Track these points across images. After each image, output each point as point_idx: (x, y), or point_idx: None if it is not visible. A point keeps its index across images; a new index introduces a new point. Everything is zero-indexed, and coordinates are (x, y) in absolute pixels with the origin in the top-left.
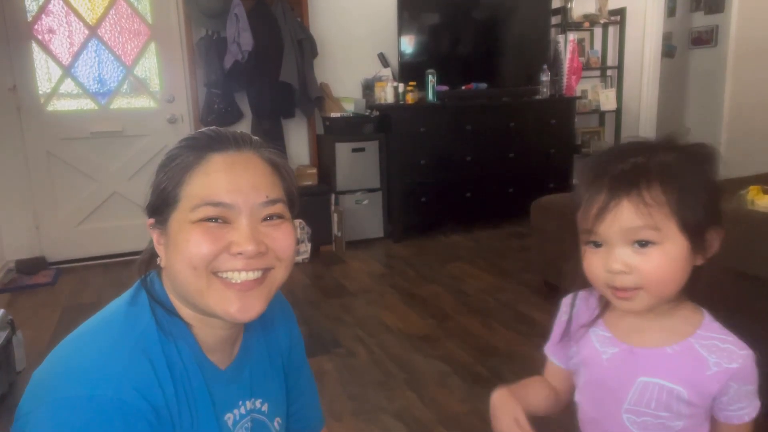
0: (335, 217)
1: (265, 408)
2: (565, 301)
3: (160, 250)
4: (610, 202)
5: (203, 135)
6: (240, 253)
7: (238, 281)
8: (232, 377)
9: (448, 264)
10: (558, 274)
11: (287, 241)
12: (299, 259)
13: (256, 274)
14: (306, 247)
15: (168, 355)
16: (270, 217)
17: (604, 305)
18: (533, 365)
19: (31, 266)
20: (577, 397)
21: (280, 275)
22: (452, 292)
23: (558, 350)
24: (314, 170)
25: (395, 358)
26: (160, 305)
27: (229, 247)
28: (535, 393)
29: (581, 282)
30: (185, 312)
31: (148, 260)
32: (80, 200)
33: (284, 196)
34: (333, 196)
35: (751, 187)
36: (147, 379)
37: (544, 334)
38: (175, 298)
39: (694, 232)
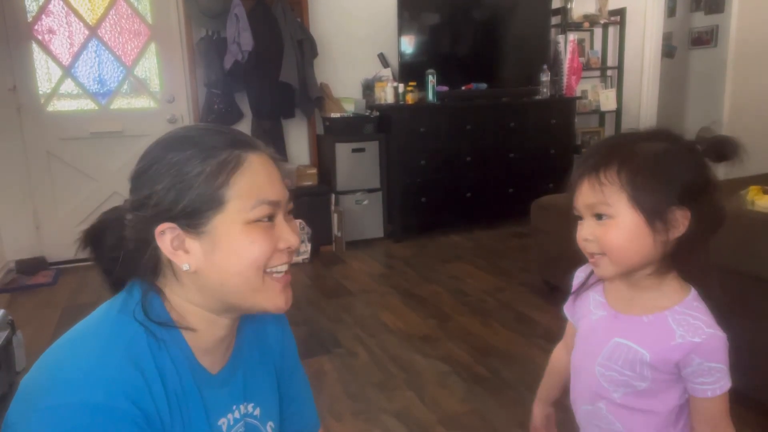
0: (335, 217)
1: (257, 412)
2: (584, 266)
3: (179, 256)
4: (576, 180)
5: (226, 136)
6: (288, 248)
7: (282, 274)
8: (225, 381)
9: (448, 264)
10: (558, 275)
11: (299, 233)
12: (299, 259)
13: (287, 267)
14: (306, 247)
15: (159, 361)
16: (289, 212)
17: None
18: (533, 365)
19: (31, 266)
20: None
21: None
22: (452, 292)
23: (572, 309)
24: (314, 170)
25: (395, 358)
26: (155, 322)
27: (277, 244)
28: (557, 379)
29: None
30: (193, 316)
31: (150, 267)
32: (80, 200)
33: None
34: (333, 196)
35: (751, 187)
36: (137, 386)
37: (544, 334)
38: (189, 302)
39: (650, 210)
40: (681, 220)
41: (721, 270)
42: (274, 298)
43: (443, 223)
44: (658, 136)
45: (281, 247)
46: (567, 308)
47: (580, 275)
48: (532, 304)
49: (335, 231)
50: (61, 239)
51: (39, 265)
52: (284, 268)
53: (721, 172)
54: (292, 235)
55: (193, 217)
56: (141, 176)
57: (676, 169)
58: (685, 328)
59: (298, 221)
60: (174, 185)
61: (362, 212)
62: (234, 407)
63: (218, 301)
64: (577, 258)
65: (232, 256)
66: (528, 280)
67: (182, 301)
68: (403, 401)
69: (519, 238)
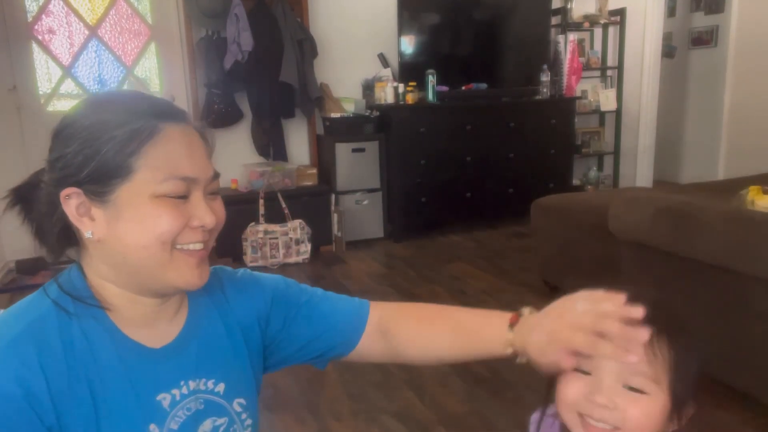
0: (335, 217)
1: (219, 389)
2: (533, 419)
3: (84, 223)
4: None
5: (145, 102)
6: (201, 227)
7: (197, 250)
8: (169, 355)
9: (448, 264)
10: (558, 275)
11: (223, 213)
12: (299, 259)
13: (202, 245)
14: (306, 247)
15: (66, 336)
16: (211, 192)
17: None
18: (533, 365)
19: (31, 266)
20: None
21: (211, 244)
22: (452, 292)
23: None
24: (314, 170)
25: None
26: (67, 294)
27: (189, 221)
28: None
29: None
30: (109, 292)
31: (62, 233)
32: None
33: None
34: (333, 196)
35: (751, 187)
36: (28, 363)
37: None
38: (103, 278)
39: (680, 398)
40: (687, 414)
41: (722, 270)
42: (185, 274)
43: (443, 223)
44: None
45: (194, 224)
46: None
47: (545, 426)
48: (532, 305)
49: (335, 231)
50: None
51: (39, 265)
52: (198, 246)
53: (722, 172)
54: (207, 214)
55: (98, 183)
56: (56, 137)
57: (698, 358)
58: None
59: (298, 221)
60: (83, 149)
61: (362, 212)
62: (182, 382)
63: (127, 276)
64: (577, 258)
65: (136, 229)
66: (528, 280)
67: (95, 276)
68: (403, 401)
69: (519, 238)
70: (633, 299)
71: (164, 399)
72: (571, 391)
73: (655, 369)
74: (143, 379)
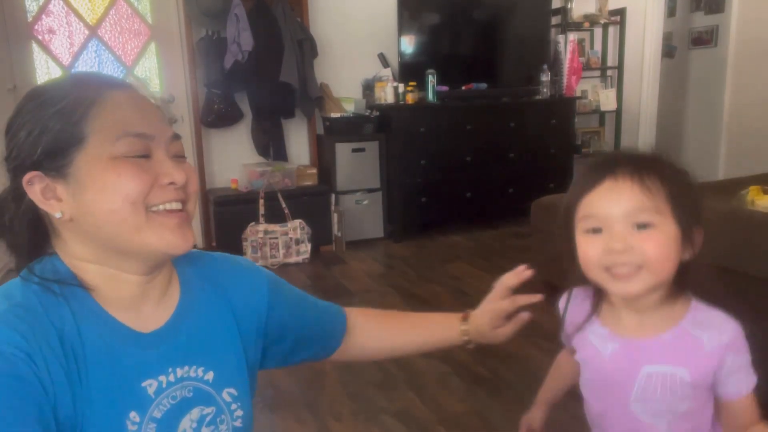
0: (335, 217)
1: (208, 377)
2: (560, 305)
3: (52, 205)
4: (613, 186)
5: (81, 76)
6: (171, 183)
7: (175, 211)
8: (157, 341)
9: (448, 264)
10: (558, 274)
11: (194, 174)
12: (299, 259)
13: (180, 205)
14: (306, 247)
15: (54, 316)
16: (177, 155)
17: (597, 303)
18: (533, 365)
19: None
20: (583, 392)
21: (192, 209)
22: (452, 292)
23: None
24: (314, 170)
25: (395, 358)
26: (51, 280)
27: (156, 180)
28: (562, 382)
29: (578, 278)
30: (90, 273)
31: (29, 229)
32: None
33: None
34: (333, 196)
35: (751, 187)
36: (21, 336)
37: (544, 335)
38: (80, 260)
39: (685, 224)
40: (698, 241)
41: (722, 270)
42: (165, 237)
43: (443, 223)
44: (662, 158)
45: (163, 182)
46: (567, 340)
47: (573, 305)
48: (532, 305)
49: (335, 231)
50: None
51: None
52: (175, 205)
53: (722, 172)
54: (175, 170)
55: (54, 159)
56: (7, 132)
57: (696, 190)
58: (709, 332)
59: (298, 221)
60: (32, 131)
61: (362, 212)
62: (169, 369)
63: (105, 249)
64: (573, 254)
65: (101, 195)
66: (528, 280)
67: (72, 259)
68: (403, 401)
69: (519, 238)
70: (619, 154)
71: (150, 386)
72: (591, 250)
73: (654, 201)
74: (129, 363)
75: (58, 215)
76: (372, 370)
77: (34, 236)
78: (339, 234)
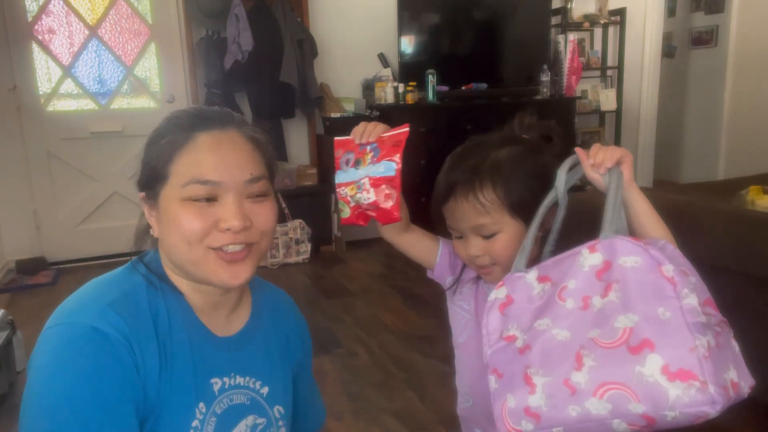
0: (335, 217)
1: (264, 391)
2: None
3: (152, 221)
4: (456, 206)
5: (188, 114)
6: (228, 229)
7: (229, 251)
8: (228, 346)
9: None
10: None
11: (269, 215)
12: (299, 259)
13: (241, 247)
14: (306, 247)
15: (153, 306)
16: (255, 195)
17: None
18: None
19: (31, 266)
20: (461, 353)
21: (264, 245)
22: None
23: (447, 253)
24: (314, 170)
25: (395, 358)
26: (154, 274)
27: (217, 224)
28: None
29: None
30: (177, 279)
31: (145, 229)
32: (80, 200)
33: (266, 172)
34: (333, 196)
35: (751, 187)
36: (125, 322)
37: None
38: (168, 267)
39: (525, 213)
40: (551, 211)
41: (721, 270)
42: (217, 272)
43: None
44: (504, 141)
45: (222, 227)
46: (444, 243)
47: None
48: None
49: (335, 231)
50: (61, 239)
51: (39, 265)
52: (235, 248)
53: (722, 172)
54: (233, 217)
55: (149, 188)
56: (145, 147)
57: (533, 165)
58: None
59: (298, 221)
60: (144, 158)
61: None
62: (232, 374)
63: (177, 267)
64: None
65: (169, 228)
66: None
67: (166, 265)
68: (403, 401)
69: None
70: (461, 158)
71: (216, 383)
72: (458, 252)
73: (490, 216)
74: (204, 360)
75: (152, 232)
76: (372, 370)
77: (145, 232)
78: (339, 234)
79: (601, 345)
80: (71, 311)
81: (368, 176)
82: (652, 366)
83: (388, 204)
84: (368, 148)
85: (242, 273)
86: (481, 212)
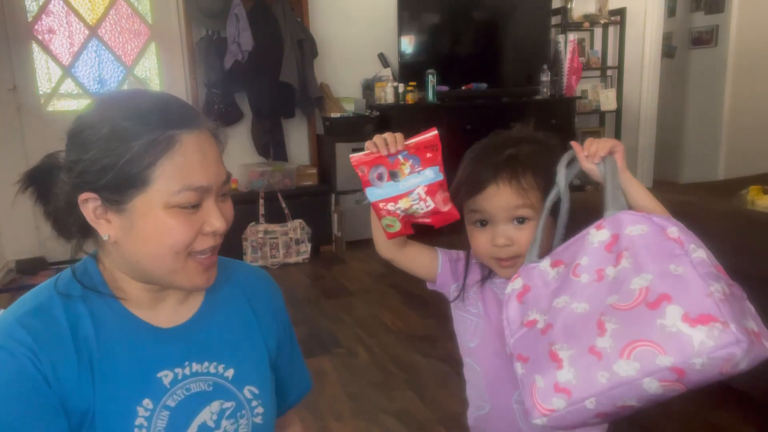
0: (335, 217)
1: (228, 374)
2: (460, 263)
3: (102, 226)
4: (498, 192)
5: (154, 109)
6: (213, 233)
7: (205, 256)
8: (176, 336)
9: None
10: None
11: (231, 214)
12: (299, 259)
13: (214, 250)
14: (306, 247)
15: (72, 314)
16: (222, 194)
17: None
18: None
19: (31, 266)
20: (474, 359)
21: (218, 245)
22: None
23: (447, 261)
24: (314, 170)
25: (395, 358)
26: (79, 282)
27: (202, 228)
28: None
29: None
30: (123, 284)
31: (80, 233)
32: None
33: None
34: (333, 196)
35: (751, 187)
36: (33, 336)
37: None
38: (118, 269)
39: (553, 208)
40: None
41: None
42: (193, 278)
43: None
44: (524, 139)
45: (206, 230)
46: (443, 254)
47: (472, 264)
48: None
49: (335, 231)
50: (61, 239)
51: (39, 265)
52: (211, 251)
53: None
54: (218, 220)
55: (115, 192)
56: (74, 137)
57: (553, 160)
58: None
59: (298, 221)
60: (101, 158)
61: (362, 212)
62: (186, 363)
63: (140, 273)
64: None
65: (149, 239)
66: None
67: (112, 267)
68: (403, 401)
69: None
70: (494, 147)
71: (165, 376)
72: (478, 244)
73: (528, 199)
74: (146, 355)
75: (105, 237)
76: (372, 370)
77: (81, 235)
78: (339, 234)
79: (621, 308)
80: None
81: (420, 185)
82: (672, 316)
83: (447, 207)
84: (400, 157)
85: (213, 275)
86: (523, 196)
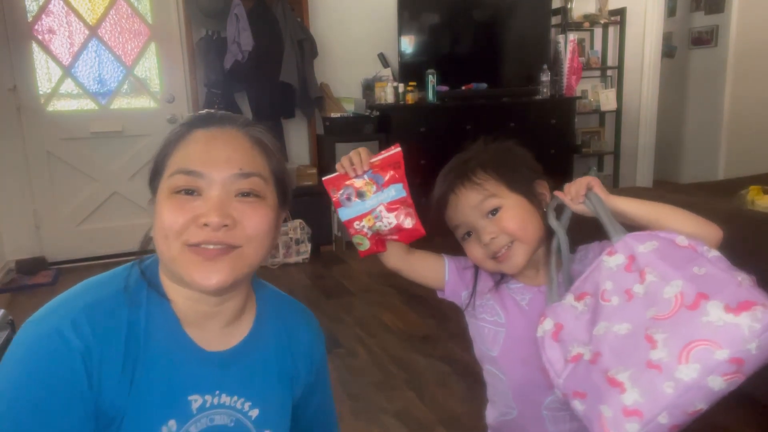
0: (335, 217)
1: (253, 413)
2: (467, 272)
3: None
4: (457, 199)
5: (197, 115)
6: (206, 224)
7: (209, 248)
8: (215, 362)
9: None
10: None
11: (258, 218)
12: (299, 259)
13: (220, 247)
14: (306, 247)
15: (133, 317)
16: (246, 194)
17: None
18: None
19: (31, 266)
20: (497, 368)
21: (248, 254)
22: None
23: (455, 268)
24: (314, 170)
25: (395, 358)
26: (146, 280)
27: (196, 219)
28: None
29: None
30: (171, 286)
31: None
32: (80, 200)
33: (265, 174)
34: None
35: (751, 187)
36: (89, 328)
37: None
38: (164, 273)
39: (524, 189)
40: (544, 191)
41: None
42: (191, 271)
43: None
44: (482, 149)
45: (200, 222)
46: (452, 262)
47: (481, 272)
48: None
49: (335, 231)
50: (61, 239)
51: (39, 265)
52: (212, 246)
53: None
54: (212, 211)
55: (151, 183)
56: None
57: (522, 153)
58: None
59: (298, 221)
60: (154, 157)
61: None
62: (217, 392)
63: (167, 267)
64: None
65: (155, 222)
66: None
67: (163, 267)
68: (403, 401)
69: None
70: (450, 167)
71: (195, 401)
72: (473, 253)
73: (487, 191)
74: (182, 376)
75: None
76: (372, 370)
77: None
78: (339, 234)
79: (663, 318)
80: (48, 309)
81: (382, 203)
82: (715, 311)
83: (410, 223)
84: (365, 177)
85: (216, 274)
86: (479, 190)
